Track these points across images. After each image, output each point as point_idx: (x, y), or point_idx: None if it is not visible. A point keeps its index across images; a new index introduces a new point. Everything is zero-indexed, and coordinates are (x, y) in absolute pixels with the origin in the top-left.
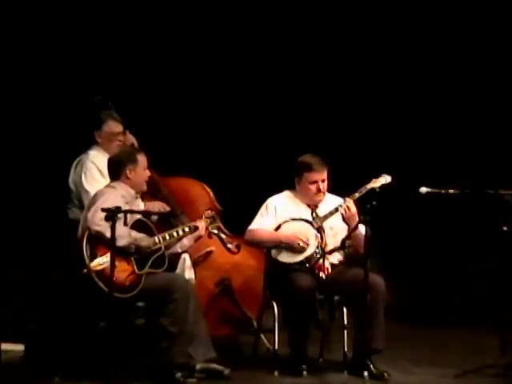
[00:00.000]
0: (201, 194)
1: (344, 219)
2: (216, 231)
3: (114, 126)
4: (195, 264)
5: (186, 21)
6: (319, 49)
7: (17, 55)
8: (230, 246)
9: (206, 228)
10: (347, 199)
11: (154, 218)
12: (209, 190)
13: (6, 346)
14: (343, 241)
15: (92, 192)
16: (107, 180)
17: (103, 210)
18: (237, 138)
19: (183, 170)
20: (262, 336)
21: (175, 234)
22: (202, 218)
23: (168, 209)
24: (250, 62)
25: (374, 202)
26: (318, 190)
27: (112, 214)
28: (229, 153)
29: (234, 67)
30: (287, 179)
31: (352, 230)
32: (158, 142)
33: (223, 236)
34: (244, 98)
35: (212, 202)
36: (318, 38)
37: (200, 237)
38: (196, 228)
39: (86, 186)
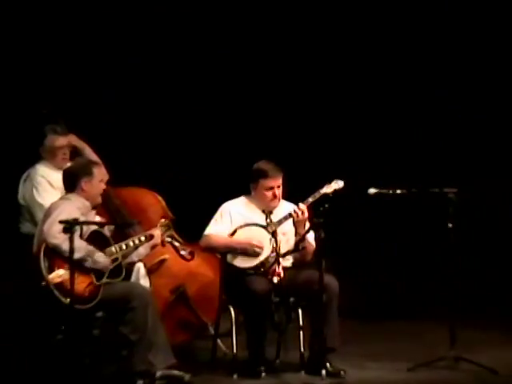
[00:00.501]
0: (152, 202)
1: (294, 223)
2: (170, 239)
3: (56, 141)
4: (150, 272)
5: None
6: (272, 53)
7: None
8: (183, 253)
9: (161, 236)
10: (300, 204)
11: (110, 228)
12: (160, 198)
13: None
14: (297, 243)
15: (45, 205)
16: (58, 192)
17: (61, 222)
18: (189, 144)
19: (134, 179)
20: (219, 341)
21: (131, 243)
22: (157, 226)
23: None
24: (203, 65)
25: (327, 205)
26: (274, 196)
27: (70, 226)
28: (181, 159)
29: (185, 70)
30: (241, 184)
31: (305, 233)
32: (109, 152)
33: (177, 244)
34: (195, 104)
35: (164, 210)
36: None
37: (156, 245)
38: (152, 237)
39: (39, 199)
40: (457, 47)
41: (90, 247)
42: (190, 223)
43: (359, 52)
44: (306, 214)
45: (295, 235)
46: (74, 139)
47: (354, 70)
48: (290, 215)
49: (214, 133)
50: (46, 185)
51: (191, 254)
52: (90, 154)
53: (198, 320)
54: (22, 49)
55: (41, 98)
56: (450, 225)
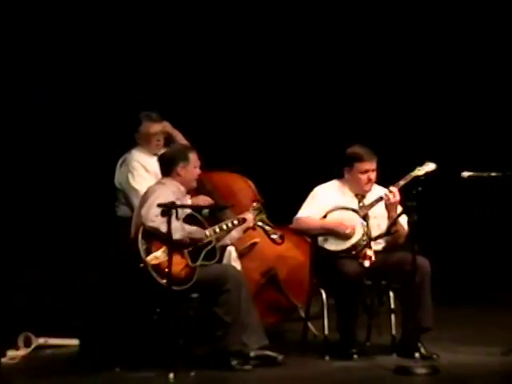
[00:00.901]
0: (243, 186)
1: (386, 206)
2: (261, 223)
3: (150, 127)
4: (241, 255)
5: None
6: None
7: (64, 56)
8: (274, 236)
9: (253, 220)
10: (392, 187)
11: (205, 212)
12: (250, 182)
13: (61, 342)
14: (389, 227)
15: (140, 190)
16: (152, 177)
17: (159, 205)
18: (280, 128)
19: (225, 164)
20: (309, 323)
21: (225, 226)
22: (249, 210)
23: (211, 202)
24: (294, 53)
25: (420, 188)
26: (369, 180)
27: (168, 209)
28: (271, 143)
29: (279, 58)
30: (331, 169)
31: (397, 217)
32: (200, 137)
33: (267, 227)
34: (288, 89)
35: (254, 194)
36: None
37: (248, 228)
38: (244, 220)
39: (134, 184)
40: None
41: (187, 226)
42: (279, 207)
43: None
44: (398, 197)
45: (387, 219)
46: (167, 127)
47: (454, 51)
48: (381, 198)
49: (306, 116)
50: (141, 170)
51: (281, 237)
52: (182, 140)
53: (288, 302)
54: (118, 38)
55: (135, 85)
56: None
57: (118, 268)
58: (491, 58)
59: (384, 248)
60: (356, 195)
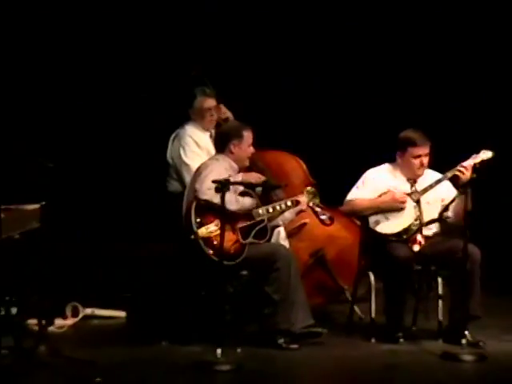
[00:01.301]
0: (295, 167)
1: (460, 181)
2: (311, 203)
3: (204, 102)
4: (290, 236)
5: None
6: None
7: (116, 32)
8: (323, 217)
9: (307, 203)
10: (463, 164)
11: (258, 190)
12: (302, 163)
13: (108, 313)
14: (441, 213)
15: (192, 165)
16: (204, 152)
17: (214, 181)
18: (335, 112)
19: (278, 143)
20: (355, 306)
21: (278, 207)
22: (303, 192)
23: (263, 178)
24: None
25: (474, 175)
26: (421, 165)
27: (222, 186)
28: (326, 126)
29: (332, 45)
30: (383, 153)
31: (450, 202)
32: (253, 115)
33: (317, 209)
34: (342, 71)
35: (306, 175)
36: None
37: (301, 211)
38: (298, 203)
39: (186, 159)
40: None
41: (240, 198)
42: (330, 188)
43: None
44: (469, 173)
45: (456, 195)
46: (223, 109)
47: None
48: (438, 182)
49: (358, 100)
50: (193, 145)
51: (331, 219)
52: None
53: (335, 284)
54: (174, 13)
55: (191, 60)
56: None
57: (170, 242)
58: None
59: (435, 234)
60: (408, 179)
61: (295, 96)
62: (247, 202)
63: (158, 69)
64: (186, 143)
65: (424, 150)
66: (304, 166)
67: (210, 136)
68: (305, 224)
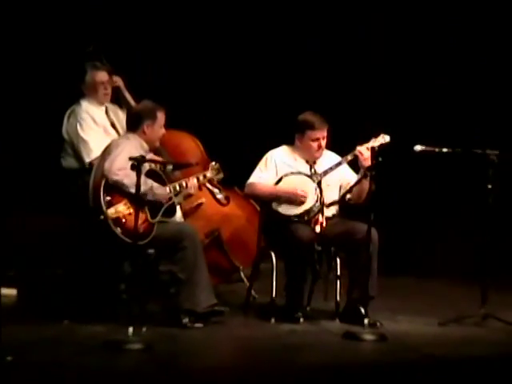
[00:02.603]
0: (191, 146)
1: (360, 163)
2: (208, 184)
3: (96, 76)
4: (186, 215)
5: None
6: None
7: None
8: (219, 197)
9: (213, 179)
10: (358, 148)
11: (169, 168)
12: (199, 142)
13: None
14: (343, 195)
15: (89, 141)
16: (101, 129)
17: (130, 158)
18: (231, 92)
19: (175, 123)
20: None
21: (184, 184)
22: (208, 169)
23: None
24: (249, 16)
25: (380, 158)
26: (319, 147)
27: (138, 163)
28: (223, 106)
29: (234, 20)
30: (280, 134)
31: (355, 184)
32: (151, 94)
33: (214, 189)
34: (243, 51)
35: (202, 154)
36: None
37: (191, 195)
38: (204, 177)
39: (83, 135)
40: None
41: (149, 181)
42: (226, 169)
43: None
44: (368, 153)
45: (360, 174)
46: (120, 82)
47: (406, 25)
48: (338, 165)
49: (258, 79)
50: (90, 121)
51: (227, 198)
52: (131, 100)
53: (230, 264)
54: None
55: (86, 36)
56: (490, 186)
57: (63, 216)
58: (446, 30)
59: (334, 215)
60: (307, 161)
61: (193, 75)
62: (155, 184)
63: (53, 45)
64: (83, 119)
65: (322, 133)
66: (201, 146)
67: (106, 112)
68: (201, 204)
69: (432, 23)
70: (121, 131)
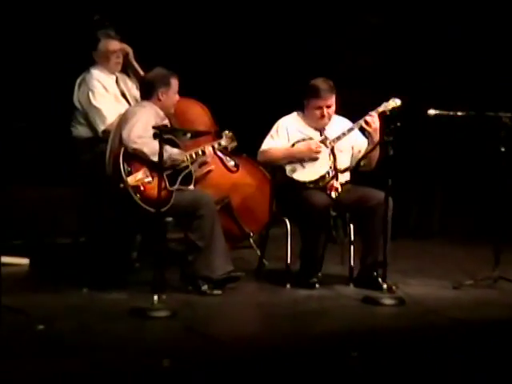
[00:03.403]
0: (199, 113)
1: (369, 133)
2: (230, 147)
3: (108, 45)
4: (196, 182)
5: None
6: None
7: None
8: (229, 164)
9: (228, 146)
10: (369, 115)
11: (186, 137)
12: (206, 109)
13: (11, 260)
14: (358, 161)
15: (102, 108)
16: (112, 96)
17: (153, 127)
18: (240, 62)
19: (183, 91)
20: (258, 252)
21: (200, 152)
22: (222, 137)
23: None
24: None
25: (398, 123)
26: (322, 116)
27: (160, 132)
28: (231, 75)
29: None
30: (290, 101)
31: (371, 150)
32: (159, 61)
33: (223, 156)
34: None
35: (211, 121)
36: None
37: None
38: (219, 145)
39: (95, 103)
40: None
41: (168, 147)
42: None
43: None
44: (378, 122)
45: (368, 144)
46: (129, 51)
47: None
48: (350, 130)
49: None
50: (101, 89)
51: (236, 165)
52: (139, 70)
53: (241, 230)
54: None
55: (92, 4)
56: (503, 148)
57: (76, 186)
58: None
59: (347, 181)
60: (315, 128)
61: (201, 45)
62: (175, 150)
63: (60, 13)
64: (95, 86)
65: (325, 102)
66: (209, 113)
67: (116, 81)
68: (210, 171)
69: None
70: (130, 100)
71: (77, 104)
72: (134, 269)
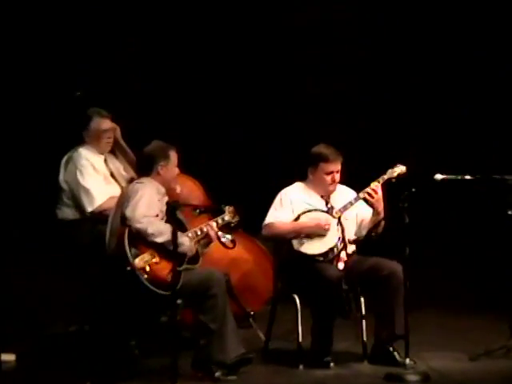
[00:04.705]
0: (193, 189)
1: (371, 204)
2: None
3: (101, 123)
4: None
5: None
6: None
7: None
8: (224, 240)
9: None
10: (371, 185)
11: (196, 212)
12: (199, 185)
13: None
14: (369, 231)
15: (91, 188)
16: (101, 176)
17: (167, 203)
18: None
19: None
20: (258, 330)
21: (205, 229)
22: (225, 212)
23: None
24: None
25: (413, 189)
26: (333, 181)
27: (172, 208)
28: (226, 149)
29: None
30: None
31: (379, 220)
32: (148, 138)
33: (219, 232)
34: (247, 89)
35: (205, 196)
36: None
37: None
38: (223, 221)
39: (84, 183)
40: None
41: (183, 239)
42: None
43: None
44: (381, 193)
45: (373, 215)
46: (118, 132)
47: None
48: (357, 199)
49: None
50: (90, 168)
51: (233, 241)
52: (128, 150)
53: (241, 309)
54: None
55: (74, 81)
56: (510, 212)
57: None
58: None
59: (353, 252)
60: (321, 196)
61: (198, 114)
62: (185, 241)
63: (42, 93)
64: (83, 166)
65: (336, 166)
66: (201, 187)
67: (105, 161)
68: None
69: (447, 51)
70: (120, 180)
71: (63, 184)
72: (133, 357)
